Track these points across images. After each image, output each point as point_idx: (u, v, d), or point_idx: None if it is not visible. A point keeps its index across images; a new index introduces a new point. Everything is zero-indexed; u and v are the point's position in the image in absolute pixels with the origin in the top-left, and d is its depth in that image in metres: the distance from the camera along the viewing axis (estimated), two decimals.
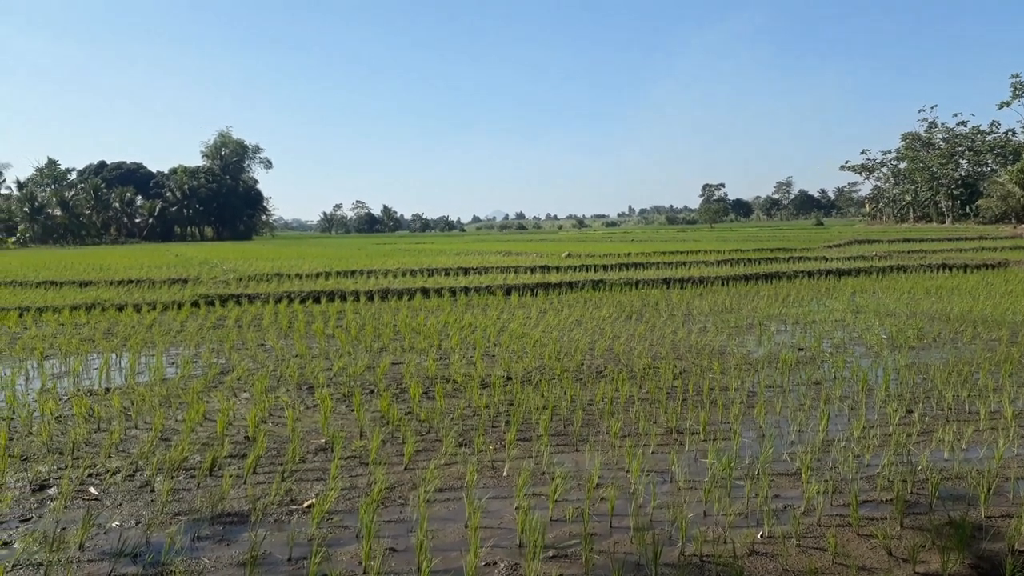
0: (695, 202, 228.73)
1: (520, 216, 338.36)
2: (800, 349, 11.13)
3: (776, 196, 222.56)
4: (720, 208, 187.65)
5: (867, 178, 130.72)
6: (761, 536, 4.74)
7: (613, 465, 6.11)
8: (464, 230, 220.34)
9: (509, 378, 9.31)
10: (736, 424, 7.17)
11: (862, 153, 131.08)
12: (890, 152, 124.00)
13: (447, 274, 24.66)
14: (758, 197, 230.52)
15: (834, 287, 20.18)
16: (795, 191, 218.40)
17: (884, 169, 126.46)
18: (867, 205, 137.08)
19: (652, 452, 6.42)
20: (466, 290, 19.74)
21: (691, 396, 8.35)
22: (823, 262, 27.84)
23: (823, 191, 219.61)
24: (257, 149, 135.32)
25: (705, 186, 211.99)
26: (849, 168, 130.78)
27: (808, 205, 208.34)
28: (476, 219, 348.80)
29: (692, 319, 14.62)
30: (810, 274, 23.22)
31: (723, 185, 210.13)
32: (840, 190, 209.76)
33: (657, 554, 4.32)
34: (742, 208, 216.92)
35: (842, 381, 8.95)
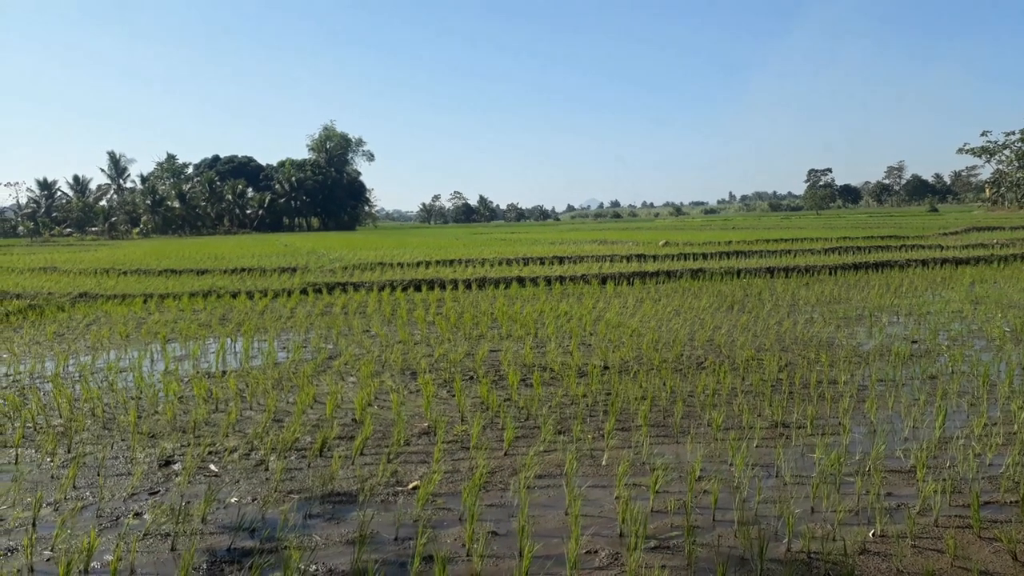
0: (800, 188, 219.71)
1: (615, 204, 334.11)
2: (914, 342, 10.61)
3: (887, 181, 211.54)
4: (827, 194, 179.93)
5: (987, 161, 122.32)
6: (873, 535, 4.58)
7: (715, 458, 6.02)
8: (559, 219, 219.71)
9: (606, 367, 9.28)
10: (845, 419, 6.92)
11: (982, 135, 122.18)
12: (1014, 133, 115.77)
13: (542, 263, 24.73)
14: (867, 182, 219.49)
15: (950, 277, 19.12)
16: (907, 176, 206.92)
17: (1007, 151, 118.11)
18: (987, 190, 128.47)
19: (756, 446, 6.28)
20: (561, 279, 19.75)
21: (797, 389, 8.11)
22: (938, 250, 26.43)
23: (938, 176, 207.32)
24: (360, 142, 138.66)
25: (811, 171, 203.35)
26: (967, 151, 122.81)
27: (921, 191, 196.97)
28: (570, 208, 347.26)
29: (798, 309, 14.16)
30: (924, 263, 22.07)
31: (830, 170, 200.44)
32: (957, 174, 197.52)
33: (763, 549, 4.24)
34: (850, 194, 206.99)
35: (960, 376, 8.49)
